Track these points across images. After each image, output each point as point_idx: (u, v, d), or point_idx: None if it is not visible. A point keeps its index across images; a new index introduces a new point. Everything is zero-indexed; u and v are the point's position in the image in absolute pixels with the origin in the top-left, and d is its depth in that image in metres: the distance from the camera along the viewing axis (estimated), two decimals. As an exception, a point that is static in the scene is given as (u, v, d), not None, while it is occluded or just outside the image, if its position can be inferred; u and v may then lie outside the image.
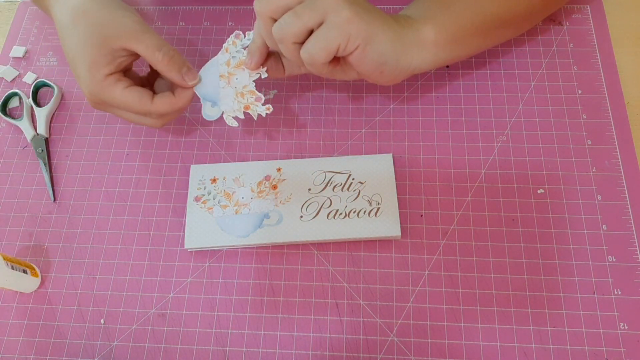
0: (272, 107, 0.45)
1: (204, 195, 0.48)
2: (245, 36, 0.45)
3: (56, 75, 0.57)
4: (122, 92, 0.43)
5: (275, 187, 0.48)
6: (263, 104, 0.45)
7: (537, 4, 0.47)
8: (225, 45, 0.45)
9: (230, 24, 0.59)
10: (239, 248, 0.47)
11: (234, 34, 0.45)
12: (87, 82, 0.43)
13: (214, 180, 0.49)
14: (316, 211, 0.47)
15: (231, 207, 0.47)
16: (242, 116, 0.45)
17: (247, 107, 0.45)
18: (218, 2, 0.60)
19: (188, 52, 0.57)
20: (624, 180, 0.47)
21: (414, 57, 0.42)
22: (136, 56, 0.44)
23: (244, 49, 0.44)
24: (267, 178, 0.48)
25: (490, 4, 0.44)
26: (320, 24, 0.38)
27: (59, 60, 0.58)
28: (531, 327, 0.43)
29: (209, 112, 0.45)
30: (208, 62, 0.46)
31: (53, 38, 0.59)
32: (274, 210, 0.47)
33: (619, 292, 0.43)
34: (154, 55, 0.42)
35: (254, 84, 0.45)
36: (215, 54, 0.56)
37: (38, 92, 0.56)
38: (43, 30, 0.60)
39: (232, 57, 0.45)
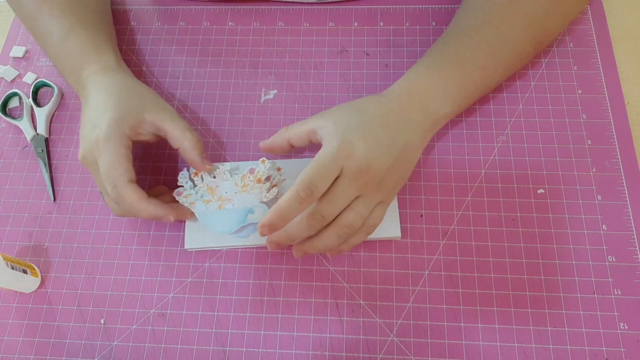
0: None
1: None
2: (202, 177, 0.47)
3: (56, 75, 0.57)
4: (121, 155, 0.42)
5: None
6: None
7: (531, 57, 0.50)
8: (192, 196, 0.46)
9: (230, 23, 0.59)
10: (239, 248, 0.47)
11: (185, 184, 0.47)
12: (98, 131, 0.43)
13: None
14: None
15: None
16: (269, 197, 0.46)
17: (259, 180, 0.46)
18: (218, 2, 0.60)
19: (188, 52, 0.57)
20: (624, 180, 0.47)
21: (427, 143, 0.47)
22: (153, 140, 0.47)
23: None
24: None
25: (495, 74, 0.48)
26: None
27: (59, 60, 0.58)
28: (531, 327, 0.43)
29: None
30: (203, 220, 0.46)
31: (53, 38, 0.59)
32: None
33: (619, 292, 0.43)
34: (185, 134, 0.45)
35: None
36: (215, 53, 0.57)
37: (38, 92, 0.56)
38: (43, 30, 0.60)
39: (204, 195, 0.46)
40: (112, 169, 0.42)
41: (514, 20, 0.47)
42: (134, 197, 0.42)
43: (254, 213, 0.45)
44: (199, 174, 0.47)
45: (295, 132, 0.44)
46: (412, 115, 0.44)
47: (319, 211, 0.40)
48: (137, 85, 0.48)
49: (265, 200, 0.46)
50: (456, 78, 0.45)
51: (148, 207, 0.42)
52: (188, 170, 0.48)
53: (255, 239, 0.46)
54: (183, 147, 0.45)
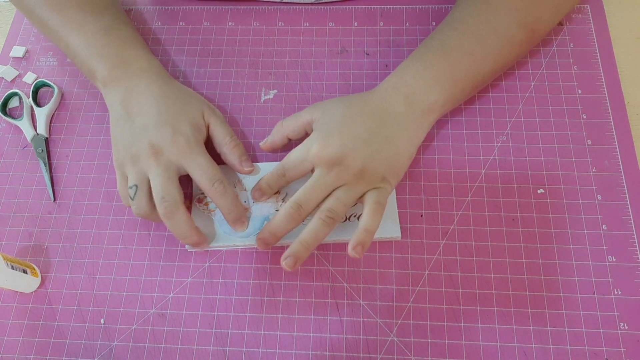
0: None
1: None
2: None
3: (56, 75, 0.57)
4: (208, 156, 0.45)
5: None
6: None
7: (526, 45, 0.49)
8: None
9: (230, 24, 0.59)
10: (239, 248, 0.47)
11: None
12: (187, 136, 0.45)
13: None
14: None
15: None
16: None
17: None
18: (218, 2, 0.60)
19: (188, 52, 0.57)
20: (624, 180, 0.47)
21: (423, 132, 0.47)
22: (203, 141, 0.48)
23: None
24: None
25: (486, 60, 0.47)
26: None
27: (59, 60, 0.58)
28: (531, 327, 0.43)
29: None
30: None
31: (53, 38, 0.59)
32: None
33: (619, 292, 0.43)
34: (225, 138, 0.48)
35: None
36: (215, 53, 0.57)
37: (38, 92, 0.56)
38: (43, 30, 0.60)
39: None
40: (215, 168, 0.45)
41: (499, 7, 0.47)
42: (234, 192, 0.46)
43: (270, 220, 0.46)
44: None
45: (292, 127, 0.47)
46: (395, 107, 0.45)
47: (295, 199, 0.42)
48: (190, 89, 0.51)
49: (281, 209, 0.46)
50: (442, 65, 0.46)
51: (239, 205, 0.46)
52: None
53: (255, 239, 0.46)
54: (222, 152, 0.48)
